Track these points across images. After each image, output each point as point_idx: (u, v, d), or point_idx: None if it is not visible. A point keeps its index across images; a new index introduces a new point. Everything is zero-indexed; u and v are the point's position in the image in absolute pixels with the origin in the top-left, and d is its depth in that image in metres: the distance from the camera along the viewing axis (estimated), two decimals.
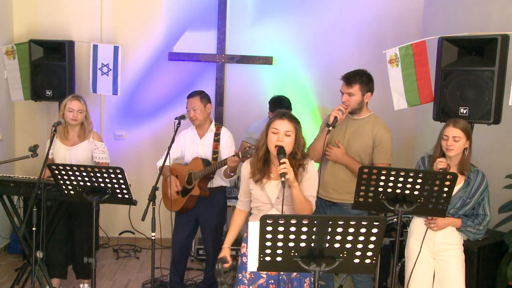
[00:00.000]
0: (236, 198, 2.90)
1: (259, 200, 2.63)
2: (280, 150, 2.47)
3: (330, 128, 3.08)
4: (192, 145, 3.71)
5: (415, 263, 2.86)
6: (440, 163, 2.73)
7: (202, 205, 3.67)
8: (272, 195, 2.59)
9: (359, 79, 3.16)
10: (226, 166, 3.45)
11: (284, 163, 2.40)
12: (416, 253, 2.89)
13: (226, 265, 2.54)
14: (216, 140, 3.66)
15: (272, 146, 2.51)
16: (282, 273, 2.52)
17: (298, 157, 2.56)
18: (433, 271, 2.91)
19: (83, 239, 3.78)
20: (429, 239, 2.88)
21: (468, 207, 2.85)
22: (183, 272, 3.86)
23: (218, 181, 3.69)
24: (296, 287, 2.57)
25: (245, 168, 2.69)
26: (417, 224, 2.96)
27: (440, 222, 2.83)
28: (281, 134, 2.50)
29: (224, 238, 2.78)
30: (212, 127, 3.71)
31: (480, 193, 2.83)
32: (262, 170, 2.59)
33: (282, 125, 2.52)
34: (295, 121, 2.57)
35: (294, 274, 2.55)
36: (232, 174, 3.49)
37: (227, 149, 3.63)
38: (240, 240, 2.87)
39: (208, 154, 3.66)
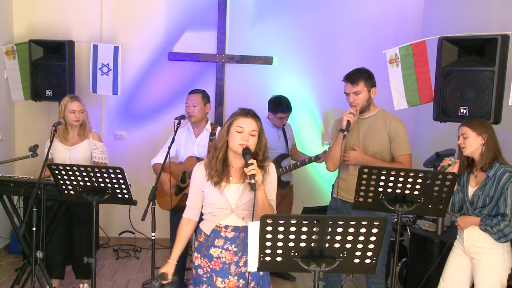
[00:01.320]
0: None
1: (216, 205, 2.40)
2: (246, 150, 2.28)
3: (345, 133, 3.04)
4: (187, 144, 3.70)
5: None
6: (444, 161, 2.78)
7: None
8: (232, 199, 2.38)
9: (362, 75, 3.14)
10: None
11: (252, 164, 2.22)
12: (453, 253, 2.94)
13: (164, 282, 2.34)
14: (212, 139, 3.65)
15: (236, 146, 2.32)
16: (241, 285, 2.39)
17: (259, 158, 2.37)
18: (469, 272, 2.89)
19: (82, 239, 3.77)
20: (462, 238, 2.89)
21: (491, 206, 2.76)
22: (183, 272, 3.86)
23: None
24: None
25: (198, 170, 2.46)
26: None
27: (461, 221, 2.84)
28: (246, 133, 2.32)
29: None
30: (208, 127, 3.70)
31: (500, 189, 2.72)
32: (221, 172, 2.38)
33: (247, 124, 2.33)
34: (259, 120, 2.40)
35: (252, 284, 2.41)
36: None
37: None
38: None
39: (203, 154, 3.64)
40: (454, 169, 2.78)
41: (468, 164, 2.88)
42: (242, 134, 2.32)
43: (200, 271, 2.45)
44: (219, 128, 3.72)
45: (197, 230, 2.54)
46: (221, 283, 2.39)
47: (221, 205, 2.39)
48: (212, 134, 3.68)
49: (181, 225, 2.52)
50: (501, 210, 2.72)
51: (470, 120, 2.90)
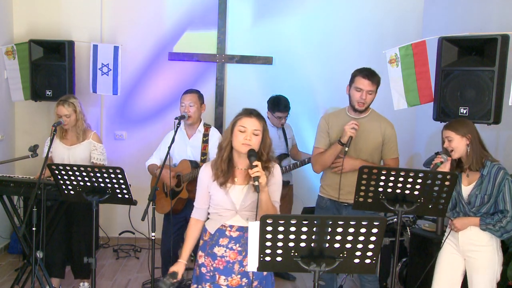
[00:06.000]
0: None
1: (221, 206, 2.42)
2: (251, 152, 2.30)
3: (346, 149, 3.06)
4: (180, 146, 3.61)
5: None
6: (437, 158, 2.78)
7: (191, 206, 3.63)
8: (236, 200, 2.40)
9: (378, 77, 3.19)
10: None
11: (256, 166, 2.23)
12: (445, 251, 2.94)
13: (174, 281, 2.37)
14: (205, 141, 3.58)
15: (239, 145, 2.34)
16: (243, 284, 2.40)
17: (264, 159, 2.37)
18: (462, 270, 2.90)
19: (81, 239, 3.77)
20: (455, 238, 2.89)
21: (489, 204, 2.77)
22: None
23: None
24: None
25: (205, 171, 2.47)
26: None
27: (458, 223, 2.83)
28: (249, 133, 2.33)
29: None
30: (201, 128, 3.63)
31: (497, 187, 2.74)
32: (226, 172, 2.39)
33: (250, 123, 2.35)
34: (263, 120, 2.41)
35: (255, 283, 2.41)
36: None
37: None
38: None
39: (196, 156, 3.59)
40: (446, 166, 2.78)
41: (457, 164, 2.88)
42: (245, 133, 2.34)
43: (204, 270, 2.46)
44: (212, 128, 3.67)
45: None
46: (224, 281, 2.40)
47: (226, 206, 2.41)
48: (205, 135, 3.60)
49: (189, 226, 2.55)
50: (501, 207, 2.75)
51: (451, 123, 2.87)
